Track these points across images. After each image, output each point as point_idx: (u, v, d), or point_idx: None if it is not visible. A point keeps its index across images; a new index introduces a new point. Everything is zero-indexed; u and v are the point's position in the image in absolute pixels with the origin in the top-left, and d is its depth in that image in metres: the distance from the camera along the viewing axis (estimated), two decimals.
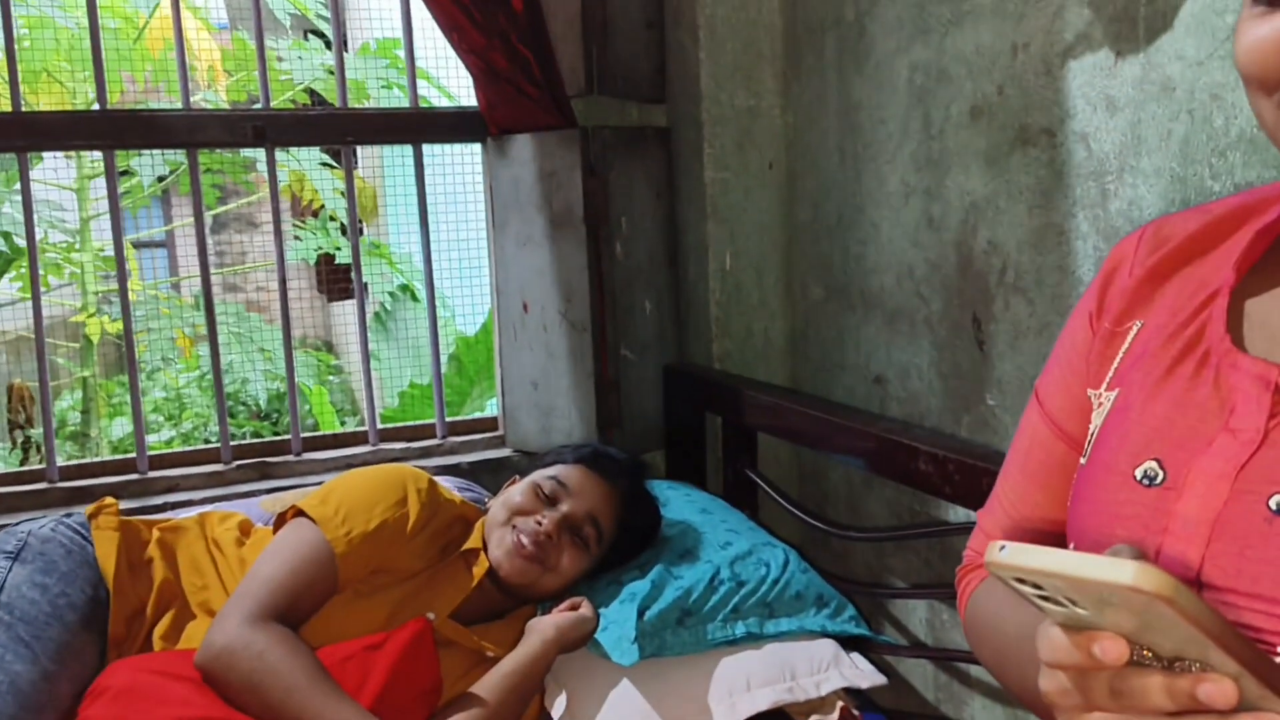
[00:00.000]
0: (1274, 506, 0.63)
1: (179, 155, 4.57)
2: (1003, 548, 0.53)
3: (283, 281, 2.29)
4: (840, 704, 1.59)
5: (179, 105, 2.24)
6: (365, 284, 5.80)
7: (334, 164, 5.20)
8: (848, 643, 1.68)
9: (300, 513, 1.51)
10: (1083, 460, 0.79)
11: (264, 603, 1.39)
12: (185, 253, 8.55)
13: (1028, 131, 1.54)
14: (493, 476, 2.25)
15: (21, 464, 5.23)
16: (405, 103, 2.61)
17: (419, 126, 2.35)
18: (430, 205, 2.43)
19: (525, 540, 1.55)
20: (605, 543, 1.61)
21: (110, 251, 2.20)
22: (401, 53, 2.51)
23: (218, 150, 4.87)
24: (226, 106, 5.18)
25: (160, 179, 5.10)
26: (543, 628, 1.53)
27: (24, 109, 2.08)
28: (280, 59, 5.04)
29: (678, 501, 1.89)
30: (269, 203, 2.32)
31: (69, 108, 4.64)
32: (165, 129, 2.17)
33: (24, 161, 2.12)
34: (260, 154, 2.19)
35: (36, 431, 5.33)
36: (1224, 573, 0.64)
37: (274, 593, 1.41)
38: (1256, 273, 0.74)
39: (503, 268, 2.35)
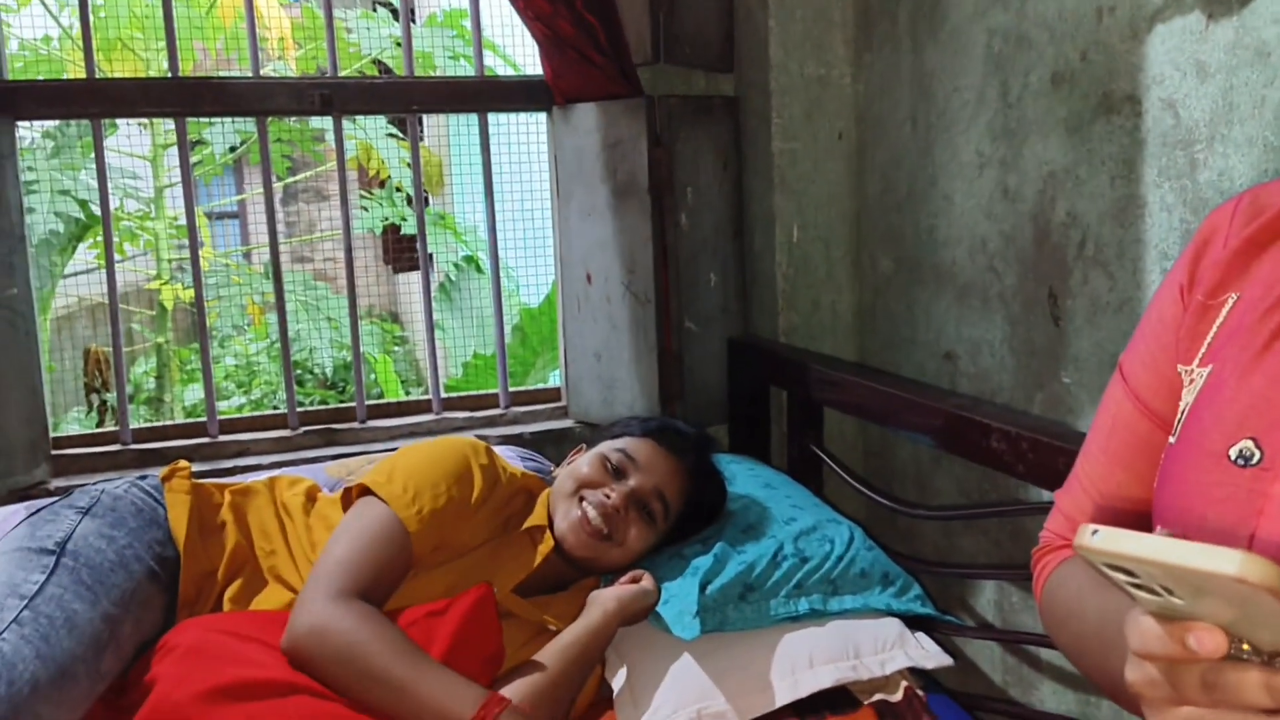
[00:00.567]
0: None
1: (249, 126, 4.64)
2: (1095, 531, 0.51)
3: (349, 251, 2.30)
4: (905, 684, 1.56)
5: (250, 74, 2.26)
6: (430, 255, 5.86)
7: (400, 135, 5.23)
8: (913, 622, 1.66)
9: (366, 491, 1.50)
10: (1172, 439, 0.75)
11: (345, 581, 1.38)
12: (256, 222, 8.68)
13: (1111, 99, 1.48)
14: (555, 447, 2.25)
15: (97, 427, 5.37)
16: (471, 73, 2.60)
17: (484, 95, 2.34)
18: (495, 176, 2.42)
19: (592, 513, 1.54)
20: (671, 518, 1.60)
21: (184, 220, 2.23)
22: (468, 23, 2.49)
23: (286, 119, 4.93)
24: (296, 76, 5.23)
25: (232, 149, 5.17)
26: (604, 600, 1.52)
27: (98, 77, 2.11)
28: (349, 30, 5.07)
29: (742, 475, 1.87)
30: (337, 173, 2.34)
31: (143, 76, 4.71)
32: (234, 96, 2.18)
33: (98, 128, 2.15)
34: (328, 123, 2.20)
35: (111, 396, 5.46)
36: None
37: (353, 572, 1.40)
38: None
39: (566, 239, 2.34)
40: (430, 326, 2.42)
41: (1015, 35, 1.67)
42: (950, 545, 1.95)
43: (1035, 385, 1.70)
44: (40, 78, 4.74)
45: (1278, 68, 1.23)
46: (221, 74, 5.36)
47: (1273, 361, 0.69)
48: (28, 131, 4.66)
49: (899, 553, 1.79)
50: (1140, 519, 0.81)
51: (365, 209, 5.49)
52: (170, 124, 4.29)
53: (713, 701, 1.49)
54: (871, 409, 1.82)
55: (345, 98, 2.21)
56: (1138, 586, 0.52)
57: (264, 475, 1.91)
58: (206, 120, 4.66)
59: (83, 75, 2.08)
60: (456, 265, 5.78)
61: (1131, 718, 0.58)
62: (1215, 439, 0.69)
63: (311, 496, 1.63)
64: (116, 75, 4.65)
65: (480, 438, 2.25)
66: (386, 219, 5.49)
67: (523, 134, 4.07)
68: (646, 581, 1.55)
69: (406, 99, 2.29)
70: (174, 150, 4.43)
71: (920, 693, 1.55)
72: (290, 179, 6.37)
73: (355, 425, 2.29)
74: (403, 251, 7.36)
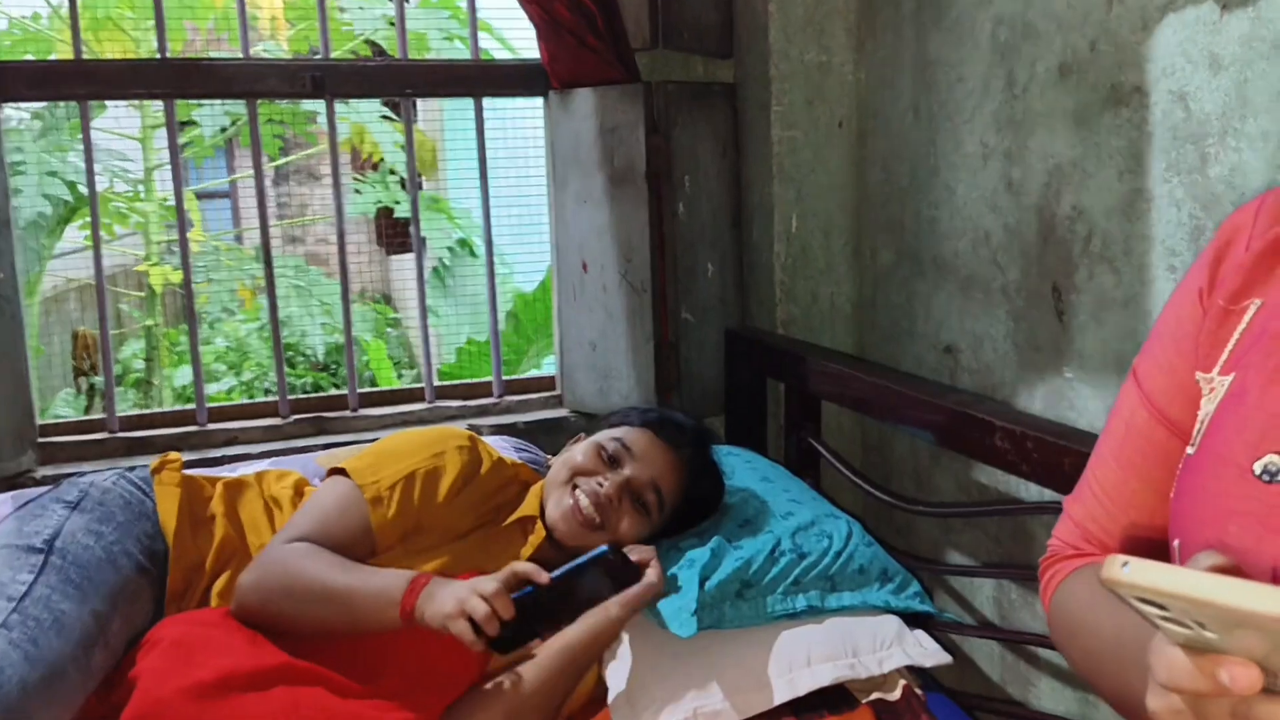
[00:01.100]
0: None
1: (240, 106, 4.58)
2: (1125, 564, 0.48)
3: (341, 236, 2.27)
4: (903, 682, 1.54)
5: (240, 56, 2.21)
6: (424, 239, 5.81)
7: (394, 117, 5.18)
8: (912, 620, 1.63)
9: (339, 472, 1.51)
10: (1190, 450, 0.73)
11: (290, 535, 1.42)
12: (247, 204, 8.63)
13: (1120, 91, 1.45)
14: (549, 437, 2.22)
15: (86, 410, 5.33)
16: (466, 55, 2.56)
17: (479, 79, 2.31)
18: (490, 160, 2.39)
19: (584, 502, 1.52)
20: (666, 510, 1.57)
21: (174, 203, 2.19)
22: (463, 4, 2.45)
23: (278, 101, 4.87)
24: (287, 57, 5.18)
25: (222, 130, 5.12)
26: (609, 604, 1.49)
27: (86, 58, 2.07)
28: (342, 9, 5.02)
29: (739, 468, 1.84)
30: (329, 155, 2.30)
31: (132, 57, 4.66)
32: (224, 78, 2.14)
33: (85, 110, 2.11)
34: (320, 105, 2.17)
35: (100, 379, 5.42)
36: None
37: (301, 530, 1.43)
38: None
39: (562, 226, 2.31)
40: (424, 314, 2.39)
41: (1021, 24, 1.63)
42: (949, 541, 1.93)
43: (1038, 380, 1.67)
44: (28, 56, 4.68)
45: None
46: (211, 55, 5.30)
47: None
48: (14, 112, 4.60)
49: (897, 549, 1.77)
50: (1156, 530, 0.78)
51: (359, 192, 5.44)
52: (160, 105, 4.24)
53: (709, 700, 1.47)
54: (871, 403, 1.80)
55: (337, 80, 2.17)
56: (1168, 619, 0.49)
57: (254, 465, 1.89)
58: (196, 102, 4.61)
59: (70, 56, 2.03)
60: (450, 249, 5.74)
61: None
62: (1238, 452, 0.66)
63: (300, 490, 1.62)
64: (105, 56, 4.59)
65: (473, 427, 2.23)
66: (380, 202, 5.44)
67: (519, 117, 4.02)
68: (653, 571, 1.51)
69: (400, 82, 2.26)
70: (164, 131, 4.38)
71: (919, 692, 1.53)
72: (282, 160, 6.32)
73: (347, 414, 2.27)
74: (396, 234, 7.31)
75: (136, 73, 2.14)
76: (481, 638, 1.27)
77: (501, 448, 1.92)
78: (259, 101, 2.22)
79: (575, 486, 1.53)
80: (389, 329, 7.06)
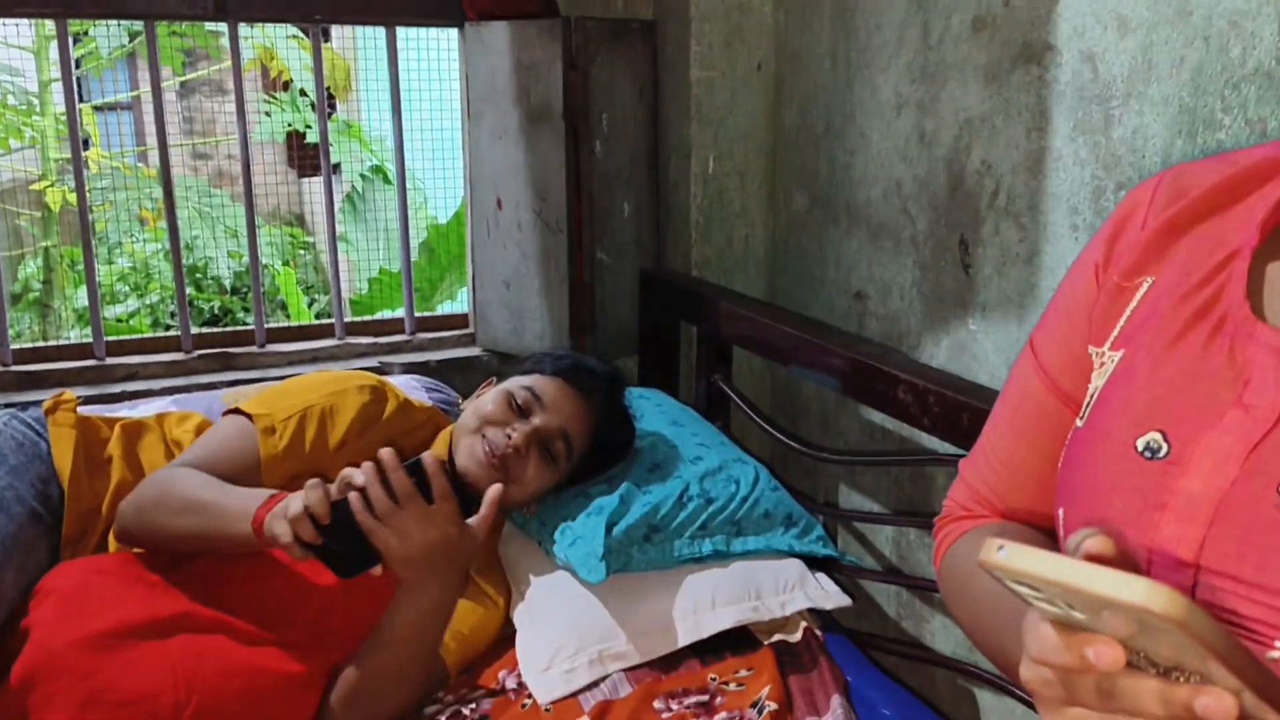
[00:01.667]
0: None
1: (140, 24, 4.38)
2: (1001, 548, 0.50)
3: (247, 169, 2.20)
4: (804, 624, 1.59)
5: None
6: (336, 165, 5.66)
7: (304, 36, 5.00)
8: (814, 563, 1.68)
9: (238, 412, 1.50)
10: (1079, 422, 0.75)
11: (177, 465, 1.40)
12: (151, 118, 8.28)
13: (1032, 48, 1.47)
14: (462, 376, 2.21)
15: None
16: None
17: (393, 7, 2.23)
18: (405, 87, 2.33)
19: (498, 443, 1.51)
20: (575, 458, 1.58)
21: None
22: None
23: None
24: None
25: (121, 46, 4.89)
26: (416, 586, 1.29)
27: None
28: None
29: (649, 411, 1.85)
30: (233, 79, 2.21)
31: None
32: None
33: None
34: (223, 27, 2.07)
35: None
36: (1225, 558, 0.61)
37: (190, 462, 1.40)
38: None
39: (476, 161, 2.27)
40: (334, 250, 2.34)
41: None
42: (852, 482, 1.98)
43: (942, 331, 1.71)
44: None
45: (1199, 28, 1.22)
46: None
47: (1185, 352, 0.68)
48: None
49: (802, 492, 1.81)
50: (1044, 498, 0.81)
51: (268, 114, 5.25)
52: None
53: (615, 642, 1.49)
54: (780, 350, 1.82)
55: (241, 3, 2.08)
56: (1040, 600, 0.51)
57: (155, 402, 1.85)
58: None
59: None
60: (364, 176, 5.60)
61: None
62: (1124, 428, 0.69)
63: (202, 432, 1.57)
64: None
65: (385, 365, 2.21)
66: (290, 124, 5.27)
67: (434, 45, 3.92)
68: (490, 497, 1.31)
69: (308, 7, 2.17)
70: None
71: (819, 633, 1.58)
72: (187, 75, 6.07)
73: (254, 349, 2.22)
74: (307, 157, 7.10)
75: None
76: (309, 551, 1.18)
77: (413, 388, 1.90)
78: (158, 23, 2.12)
79: (484, 436, 1.52)
80: (301, 251, 6.90)
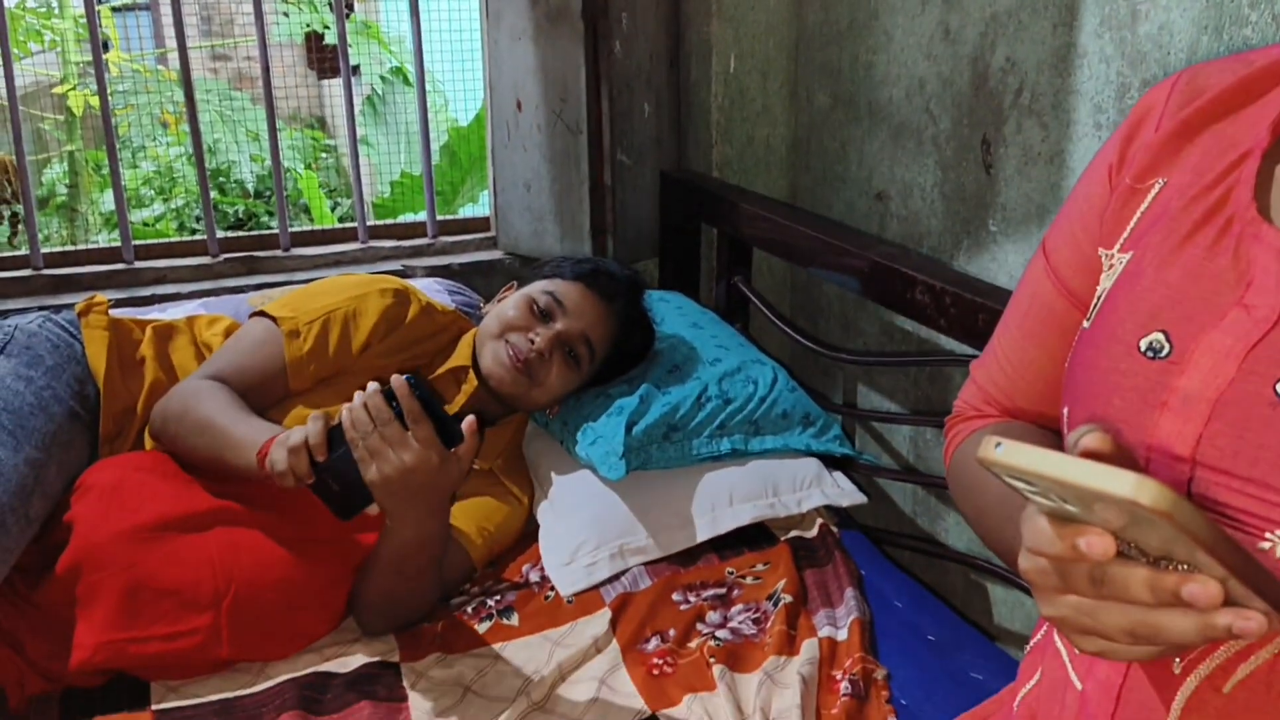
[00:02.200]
0: None
1: None
2: (998, 445, 0.52)
3: (266, 71, 2.19)
4: (820, 520, 1.62)
5: None
6: (356, 66, 5.60)
7: None
8: (832, 461, 1.71)
9: (263, 315, 1.53)
10: (1086, 323, 0.76)
11: (206, 371, 1.45)
12: (170, 18, 8.18)
13: None
14: (484, 279, 2.22)
15: (10, 239, 5.18)
16: None
17: None
18: None
19: (516, 356, 1.54)
20: (597, 361, 1.60)
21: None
22: None
23: None
24: None
25: None
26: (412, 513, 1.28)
27: None
28: None
29: (669, 314, 1.87)
30: None
31: None
32: None
33: None
34: None
35: (22, 207, 5.24)
36: (1220, 453, 0.62)
37: (217, 365, 1.46)
38: None
39: (496, 63, 2.25)
40: (355, 156, 2.34)
41: None
42: (870, 382, 2.00)
43: (963, 231, 1.70)
44: None
45: None
46: None
47: (1192, 254, 0.69)
48: None
49: (820, 392, 1.83)
50: (1051, 398, 0.83)
51: (285, 14, 5.19)
52: None
53: (635, 537, 1.54)
54: (799, 251, 1.82)
55: None
56: (1035, 494, 0.54)
57: (183, 305, 1.88)
58: None
59: None
60: (384, 78, 5.54)
61: None
62: (1128, 328, 0.70)
63: (230, 334, 1.61)
64: None
65: (408, 267, 2.23)
66: (308, 25, 5.21)
67: None
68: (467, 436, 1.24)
69: None
70: None
71: (834, 529, 1.62)
72: None
73: (279, 253, 2.24)
74: (327, 58, 7.03)
75: None
76: (299, 483, 1.19)
77: (436, 291, 1.92)
78: None
79: (507, 340, 1.55)
80: (323, 154, 6.87)
